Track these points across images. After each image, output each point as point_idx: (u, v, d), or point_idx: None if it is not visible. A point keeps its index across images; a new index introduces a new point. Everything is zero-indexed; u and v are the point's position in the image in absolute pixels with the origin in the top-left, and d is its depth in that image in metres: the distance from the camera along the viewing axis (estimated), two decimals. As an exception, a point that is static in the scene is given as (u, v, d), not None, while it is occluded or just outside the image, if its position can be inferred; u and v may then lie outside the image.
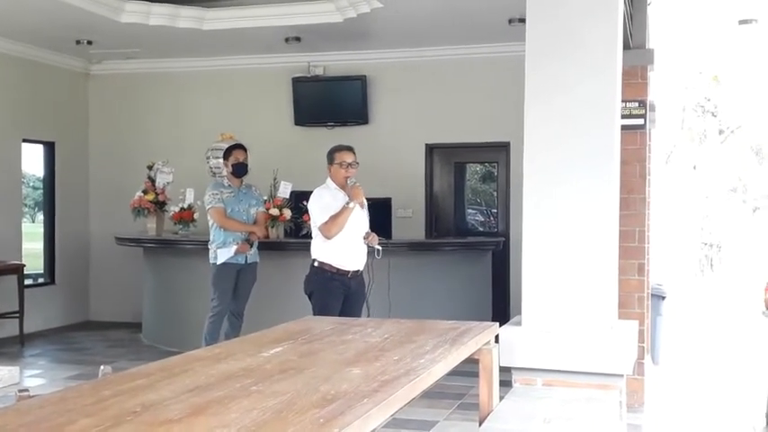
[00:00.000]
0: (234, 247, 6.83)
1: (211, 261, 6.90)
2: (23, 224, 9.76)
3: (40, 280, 9.99)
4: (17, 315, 8.71)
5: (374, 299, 5.99)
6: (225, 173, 7.01)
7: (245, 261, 6.93)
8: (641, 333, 5.58)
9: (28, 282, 9.35)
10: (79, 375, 7.05)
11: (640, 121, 6.00)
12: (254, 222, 7.03)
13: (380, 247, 5.82)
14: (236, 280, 6.92)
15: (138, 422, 1.85)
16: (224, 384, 2.22)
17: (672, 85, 18.21)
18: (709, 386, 7.21)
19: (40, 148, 9.93)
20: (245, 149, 7.07)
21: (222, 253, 6.83)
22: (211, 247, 6.91)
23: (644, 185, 6.13)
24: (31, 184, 11.31)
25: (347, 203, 5.66)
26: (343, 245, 5.69)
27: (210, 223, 6.94)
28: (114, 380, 2.31)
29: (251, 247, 6.93)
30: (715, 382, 7.42)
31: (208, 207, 6.90)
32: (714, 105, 20.90)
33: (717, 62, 20.20)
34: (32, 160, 10.08)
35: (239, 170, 6.97)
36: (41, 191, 10.27)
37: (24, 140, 9.56)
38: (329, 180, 5.83)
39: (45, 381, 7.06)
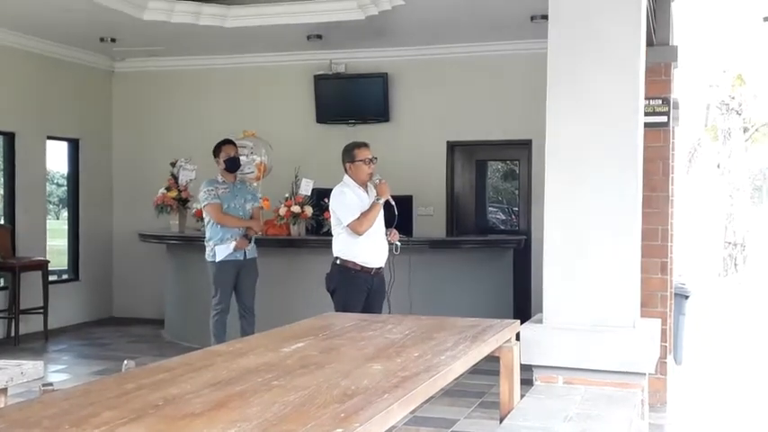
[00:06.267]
0: (233, 244, 6.78)
1: (209, 259, 6.84)
2: (48, 221, 9.83)
3: (65, 276, 10.09)
4: (41, 311, 8.80)
5: (395, 296, 5.99)
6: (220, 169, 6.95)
7: (245, 257, 6.88)
8: (664, 332, 5.55)
9: (52, 278, 9.46)
10: (103, 371, 7.11)
11: (664, 119, 5.96)
12: (251, 218, 7.00)
13: (399, 243, 5.83)
14: (238, 277, 6.89)
15: (161, 415, 1.86)
16: (245, 379, 2.23)
17: (696, 83, 18.05)
18: (731, 387, 7.15)
19: (64, 146, 10.02)
20: (234, 144, 7.06)
21: (221, 250, 6.79)
22: (209, 244, 6.86)
23: (667, 184, 6.09)
24: (56, 182, 11.40)
25: (377, 199, 5.67)
26: (367, 242, 5.69)
27: (207, 220, 6.90)
28: (137, 374, 2.32)
29: (249, 242, 6.90)
30: (738, 382, 7.35)
31: (204, 204, 6.87)
32: (738, 103, 20.70)
33: (741, 60, 20.01)
34: (57, 157, 10.17)
35: (232, 165, 6.95)
36: (66, 188, 10.36)
37: (49, 138, 9.64)
38: (347, 178, 5.80)
39: (69, 376, 7.13)
